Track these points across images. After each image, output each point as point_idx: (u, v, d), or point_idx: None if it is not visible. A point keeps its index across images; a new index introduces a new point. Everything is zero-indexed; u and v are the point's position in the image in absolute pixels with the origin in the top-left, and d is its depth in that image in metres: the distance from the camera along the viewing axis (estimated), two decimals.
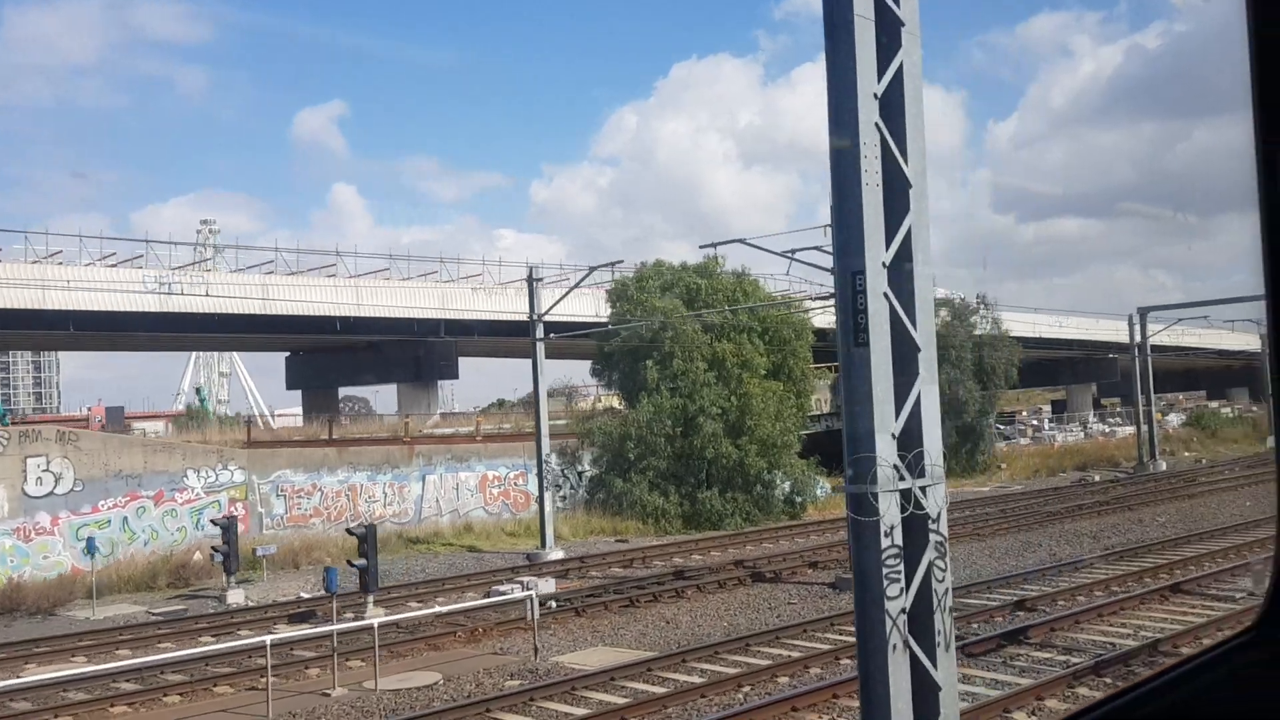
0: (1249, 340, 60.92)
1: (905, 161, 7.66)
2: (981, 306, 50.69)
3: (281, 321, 43.76)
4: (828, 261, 21.96)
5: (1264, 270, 1.60)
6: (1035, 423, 61.53)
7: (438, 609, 17.54)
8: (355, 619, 17.42)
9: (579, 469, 34.03)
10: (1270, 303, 1.62)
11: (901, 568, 7.43)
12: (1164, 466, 46.17)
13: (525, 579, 20.01)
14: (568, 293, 26.17)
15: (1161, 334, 49.27)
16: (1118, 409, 72.33)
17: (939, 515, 7.63)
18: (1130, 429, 58.44)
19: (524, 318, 33.49)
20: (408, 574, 23.88)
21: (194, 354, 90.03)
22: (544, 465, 25.97)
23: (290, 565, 24.65)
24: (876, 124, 7.42)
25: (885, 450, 7.24)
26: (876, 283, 7.31)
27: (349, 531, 18.40)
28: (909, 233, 7.60)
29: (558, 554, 25.68)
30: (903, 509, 7.52)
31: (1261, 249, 1.60)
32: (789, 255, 22.74)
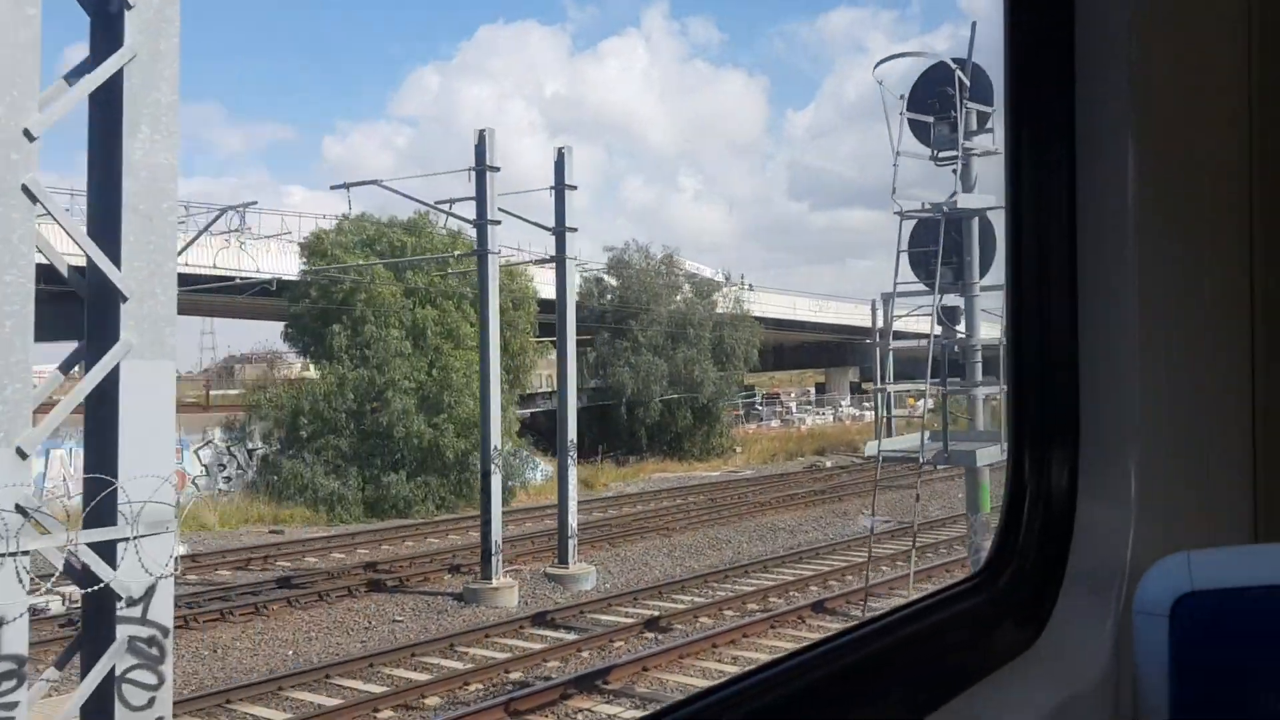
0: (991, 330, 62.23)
1: None
2: (724, 284, 49.48)
3: None
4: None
5: (1006, 261, 1.73)
6: (791, 405, 61.01)
7: None
8: None
9: (249, 446, 29.73)
10: (1010, 292, 1.73)
11: (22, 693, 4.20)
12: (872, 450, 45.97)
13: (68, 589, 15.91)
14: (191, 242, 21.94)
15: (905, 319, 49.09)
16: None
17: (151, 590, 4.44)
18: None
19: (204, 270, 28.99)
20: None
21: None
22: None
23: None
24: None
25: None
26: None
27: None
28: (115, 87, 4.32)
29: (180, 549, 21.52)
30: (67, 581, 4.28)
31: (1007, 242, 1.75)
32: (443, 208, 19.43)
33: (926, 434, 12.54)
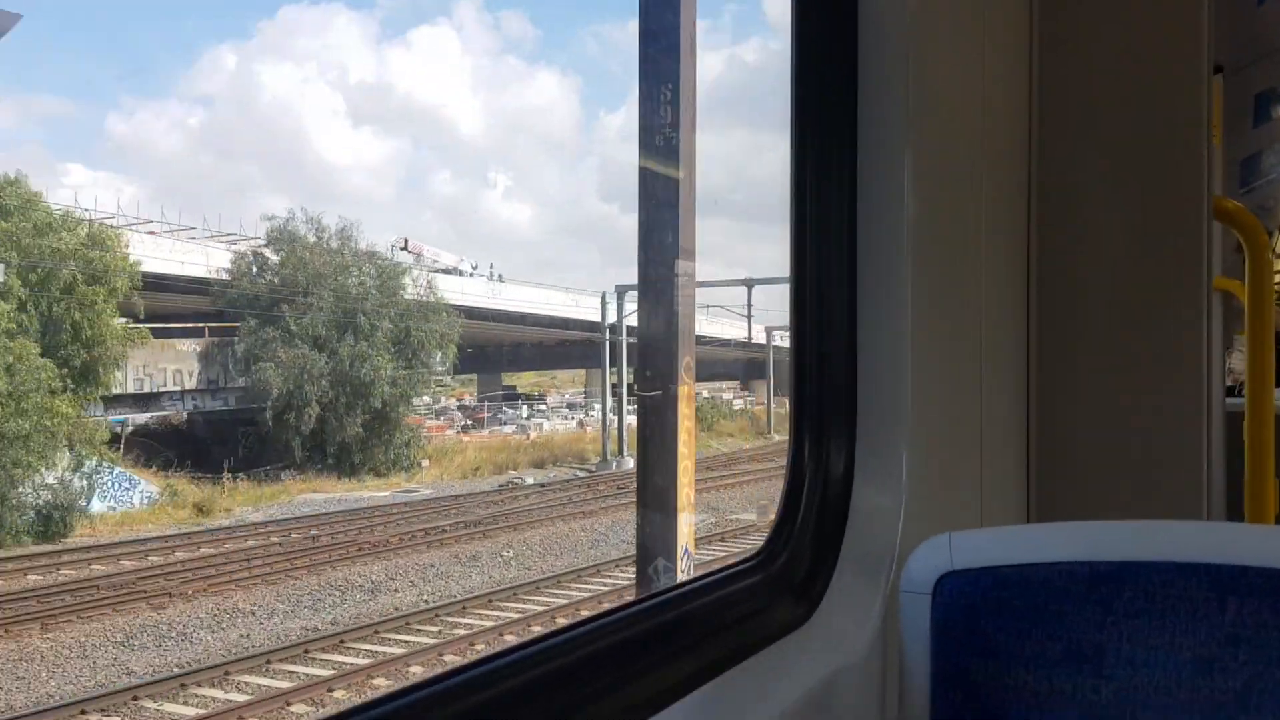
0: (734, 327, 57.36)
1: None
2: (469, 273, 43.82)
3: None
4: None
5: (791, 261, 1.80)
6: (523, 409, 54.57)
7: None
8: None
9: None
10: (794, 290, 1.78)
11: None
12: (630, 464, 40.73)
13: None
14: None
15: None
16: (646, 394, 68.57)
17: None
18: (634, 419, 54.12)
19: None
20: None
21: None
22: None
23: None
24: None
25: None
26: None
27: None
28: None
29: None
30: None
31: (791, 243, 1.81)
32: None
33: None
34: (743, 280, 40.19)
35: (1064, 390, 1.99)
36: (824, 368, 1.77)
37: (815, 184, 1.77)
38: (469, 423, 50.01)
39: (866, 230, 1.74)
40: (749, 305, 40.11)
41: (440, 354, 36.05)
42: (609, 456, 40.61)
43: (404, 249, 46.79)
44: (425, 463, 35.27)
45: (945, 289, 1.83)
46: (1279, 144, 5.72)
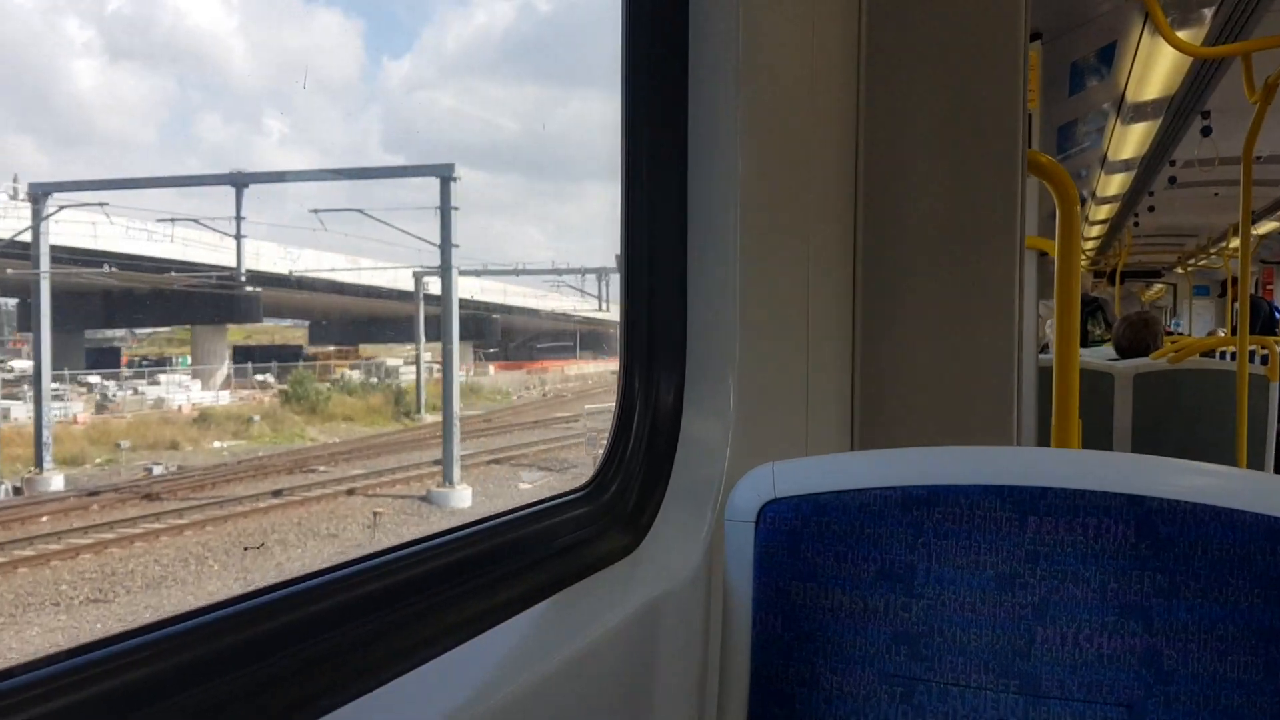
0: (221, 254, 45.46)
1: None
2: None
3: None
4: None
5: (621, 204, 1.84)
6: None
7: None
8: None
9: None
10: (624, 231, 1.85)
11: None
12: (57, 485, 23.08)
13: None
14: None
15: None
16: (322, 361, 56.70)
17: None
18: (217, 396, 42.48)
19: None
20: None
21: None
22: None
23: None
24: None
25: None
26: None
27: None
28: None
29: None
30: None
31: (622, 188, 1.84)
32: None
33: None
34: (227, 176, 24.07)
35: (887, 332, 2.13)
36: (653, 303, 1.81)
37: (647, 128, 1.78)
38: None
39: (697, 172, 1.79)
40: (239, 219, 25.13)
41: None
42: None
43: None
44: None
45: (774, 234, 1.89)
46: (1092, 113, 6.20)
